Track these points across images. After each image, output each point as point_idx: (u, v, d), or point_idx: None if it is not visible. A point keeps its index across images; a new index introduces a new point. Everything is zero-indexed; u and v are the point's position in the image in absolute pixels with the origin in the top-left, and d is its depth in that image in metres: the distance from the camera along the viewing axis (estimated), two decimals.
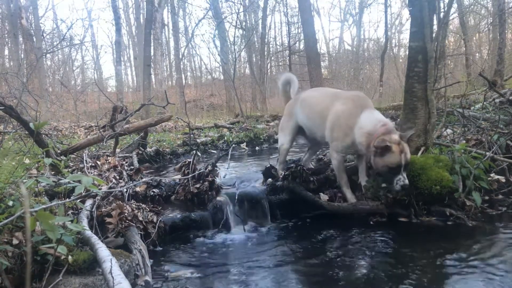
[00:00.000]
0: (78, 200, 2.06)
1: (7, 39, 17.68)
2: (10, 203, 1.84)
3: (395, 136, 2.62)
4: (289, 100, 3.58)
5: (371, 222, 2.81)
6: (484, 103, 4.84)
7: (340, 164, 2.98)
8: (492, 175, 3.05)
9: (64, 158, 3.87)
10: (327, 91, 3.30)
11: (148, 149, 5.59)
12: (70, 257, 1.74)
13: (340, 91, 3.20)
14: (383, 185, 2.83)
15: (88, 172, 3.30)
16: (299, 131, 3.43)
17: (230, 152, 3.59)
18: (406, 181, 2.58)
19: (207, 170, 3.10)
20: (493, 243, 2.30)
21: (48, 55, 16.65)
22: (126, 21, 28.04)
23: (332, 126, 2.91)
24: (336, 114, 2.88)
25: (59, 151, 4.01)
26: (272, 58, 22.61)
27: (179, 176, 3.22)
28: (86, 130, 8.88)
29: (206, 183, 3.00)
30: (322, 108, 3.02)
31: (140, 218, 2.52)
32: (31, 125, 2.58)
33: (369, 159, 2.75)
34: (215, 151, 6.42)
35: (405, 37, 23.14)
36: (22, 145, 3.89)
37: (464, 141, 3.53)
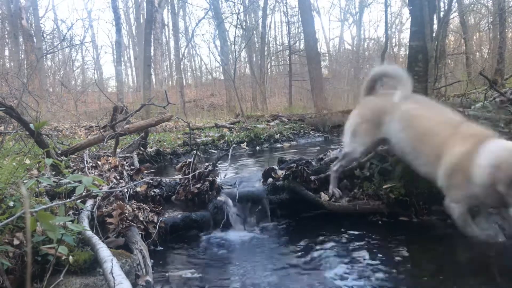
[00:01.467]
0: (79, 200, 2.06)
1: (7, 40, 17.69)
2: (11, 203, 1.84)
3: None
4: (370, 95, 2.78)
5: (380, 222, 2.80)
6: (485, 102, 4.84)
7: (463, 217, 2.22)
8: None
9: (65, 158, 3.87)
10: (442, 114, 2.38)
11: (149, 149, 5.60)
12: (71, 257, 1.74)
13: (457, 120, 2.32)
14: (385, 185, 2.83)
15: (89, 172, 3.30)
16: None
17: (230, 152, 3.58)
18: None
19: (208, 170, 3.10)
20: (494, 242, 2.30)
21: (48, 55, 16.67)
22: (126, 21, 28.08)
23: (449, 171, 2.18)
24: (456, 157, 2.15)
25: (59, 152, 4.01)
26: (272, 57, 22.63)
27: (179, 176, 3.22)
28: (86, 131, 8.88)
29: (207, 183, 3.00)
30: (436, 142, 2.26)
31: (141, 218, 2.52)
32: (31, 125, 2.58)
33: (499, 202, 2.02)
34: (215, 151, 6.43)
35: (405, 36, 23.13)
36: (22, 146, 3.89)
37: None
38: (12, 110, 2.93)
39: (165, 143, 6.46)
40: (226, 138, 7.08)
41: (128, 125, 4.95)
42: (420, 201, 2.78)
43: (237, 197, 2.97)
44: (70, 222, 1.77)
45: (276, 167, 3.44)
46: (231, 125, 9.30)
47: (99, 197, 2.58)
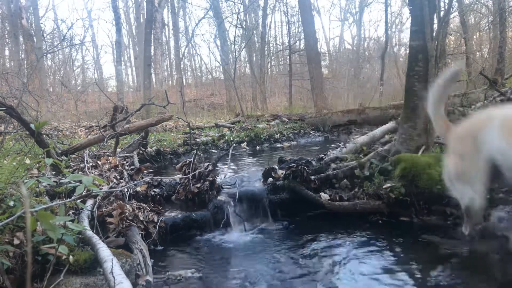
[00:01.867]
0: (79, 200, 2.06)
1: (7, 40, 17.67)
2: (11, 203, 1.84)
3: None
4: (446, 124, 2.21)
5: (380, 221, 2.80)
6: (485, 101, 4.84)
7: None
8: None
9: (65, 158, 3.86)
10: None
11: (149, 149, 5.60)
12: (71, 257, 1.75)
13: None
14: (385, 185, 2.83)
15: (89, 172, 3.30)
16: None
17: (230, 152, 3.59)
18: None
19: (208, 169, 3.10)
20: (494, 241, 2.30)
21: (48, 55, 16.66)
22: (126, 21, 28.03)
23: None
24: None
25: (60, 151, 4.01)
26: (273, 57, 22.62)
27: (179, 176, 3.23)
28: (86, 130, 8.88)
29: (207, 182, 3.00)
30: None
31: (141, 218, 2.52)
32: (31, 125, 2.58)
33: None
34: (215, 151, 6.42)
35: (406, 36, 23.05)
36: (23, 146, 3.89)
37: None
38: (12, 110, 2.93)
39: (165, 143, 6.46)
40: (226, 137, 7.08)
41: (128, 125, 4.94)
42: (420, 201, 2.78)
43: (237, 197, 2.97)
44: (70, 222, 1.77)
45: (276, 167, 3.44)
46: (231, 125, 9.30)
47: (99, 197, 2.59)
